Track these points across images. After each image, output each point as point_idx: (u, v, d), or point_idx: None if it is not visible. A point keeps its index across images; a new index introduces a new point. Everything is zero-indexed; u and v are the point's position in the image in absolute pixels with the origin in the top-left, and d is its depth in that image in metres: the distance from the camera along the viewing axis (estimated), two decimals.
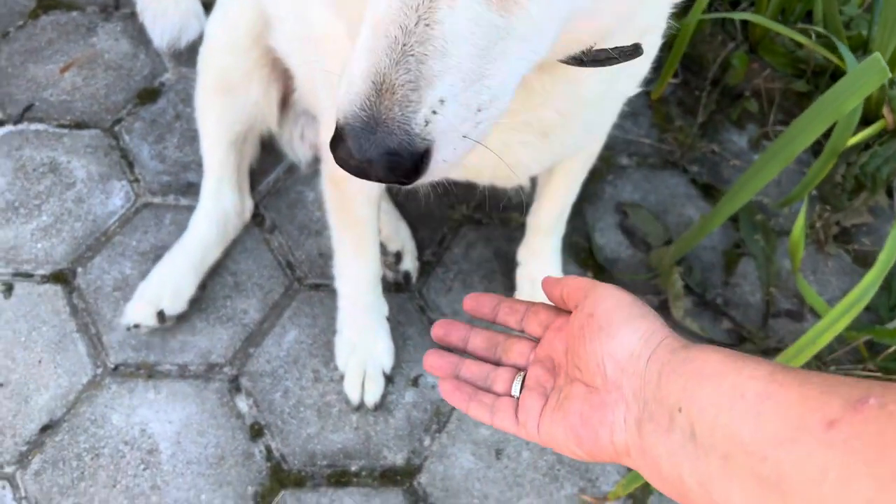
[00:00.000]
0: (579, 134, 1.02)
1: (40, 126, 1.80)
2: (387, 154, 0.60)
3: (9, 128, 1.79)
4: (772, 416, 0.58)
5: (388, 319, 1.54)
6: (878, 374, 1.55)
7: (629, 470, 1.41)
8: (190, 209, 1.65)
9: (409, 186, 0.67)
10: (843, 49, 1.63)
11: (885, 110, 1.76)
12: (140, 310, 1.50)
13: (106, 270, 1.60)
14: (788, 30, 1.77)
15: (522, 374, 0.85)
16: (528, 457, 1.45)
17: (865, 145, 1.81)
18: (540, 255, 1.57)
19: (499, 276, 1.68)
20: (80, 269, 1.60)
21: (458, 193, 1.77)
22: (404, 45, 0.60)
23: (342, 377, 1.50)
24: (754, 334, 1.62)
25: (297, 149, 1.73)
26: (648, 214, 1.78)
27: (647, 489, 1.43)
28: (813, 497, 0.53)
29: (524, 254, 1.60)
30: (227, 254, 1.64)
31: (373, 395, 1.47)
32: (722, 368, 0.64)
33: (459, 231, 1.73)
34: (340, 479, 1.41)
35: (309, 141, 1.71)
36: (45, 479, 1.37)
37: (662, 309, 1.64)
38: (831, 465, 0.53)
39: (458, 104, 0.61)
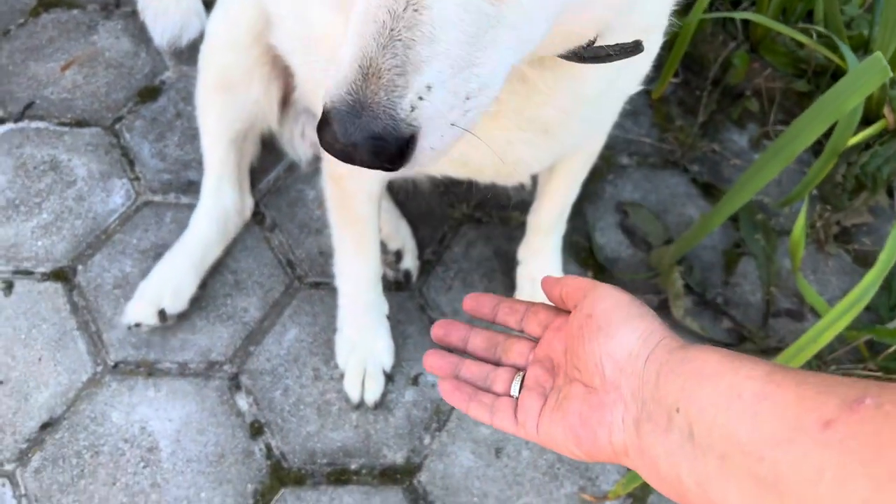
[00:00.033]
0: (581, 131, 1.02)
1: (41, 124, 1.80)
2: (371, 138, 0.59)
3: (9, 126, 1.79)
4: (769, 417, 0.58)
5: (389, 318, 1.54)
6: (879, 374, 1.55)
7: (629, 469, 1.41)
8: (190, 207, 1.65)
9: (397, 174, 0.67)
10: (845, 48, 1.63)
11: (886, 110, 1.76)
12: (141, 309, 1.50)
13: (106, 268, 1.60)
14: (789, 29, 1.77)
15: (522, 374, 0.85)
16: (527, 455, 1.45)
17: (866, 145, 1.81)
18: (540, 255, 1.57)
19: (499, 275, 1.68)
20: (80, 267, 1.60)
21: (459, 192, 1.78)
22: (392, 29, 0.60)
23: (342, 375, 1.50)
24: (754, 334, 1.62)
25: (297, 147, 1.73)
26: (649, 214, 1.78)
27: (646, 488, 1.43)
28: (809, 497, 0.53)
29: (524, 253, 1.60)
30: (228, 252, 1.64)
31: (373, 394, 1.47)
32: (719, 368, 0.65)
33: (460, 230, 1.73)
34: (340, 477, 1.41)
35: (309, 139, 1.71)
36: (45, 477, 1.37)
37: (662, 308, 1.64)
38: (827, 465, 0.53)
39: (446, 91, 0.61)
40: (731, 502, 0.60)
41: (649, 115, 1.97)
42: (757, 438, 0.58)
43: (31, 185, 1.70)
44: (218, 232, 1.61)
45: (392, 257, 1.62)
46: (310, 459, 1.42)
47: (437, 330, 0.92)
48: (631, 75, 1.02)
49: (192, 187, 1.71)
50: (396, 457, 1.44)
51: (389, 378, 1.51)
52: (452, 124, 0.63)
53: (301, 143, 1.73)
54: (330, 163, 1.28)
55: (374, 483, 1.41)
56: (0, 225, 1.64)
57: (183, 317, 1.54)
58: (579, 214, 1.74)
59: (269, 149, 1.74)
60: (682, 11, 1.72)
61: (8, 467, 1.37)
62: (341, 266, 1.46)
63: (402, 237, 1.65)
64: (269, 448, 1.43)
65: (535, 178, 1.53)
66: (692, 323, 1.61)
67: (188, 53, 1.90)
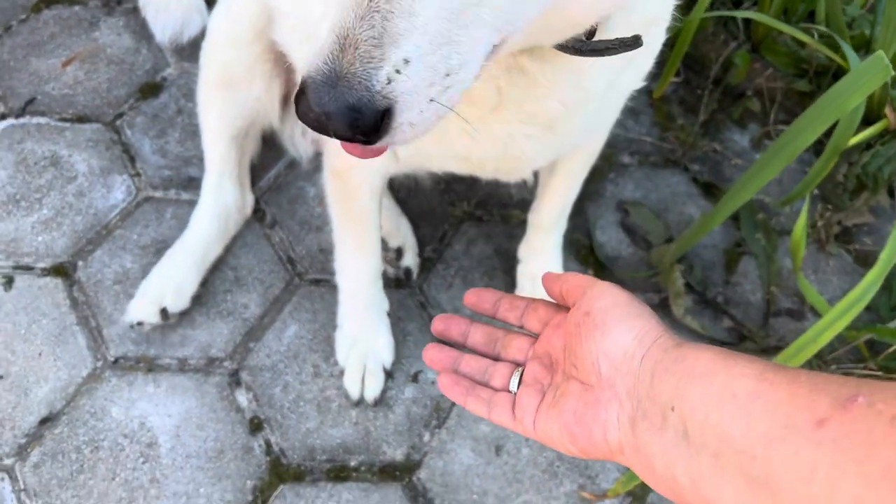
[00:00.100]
0: (583, 127, 1.02)
1: (42, 120, 1.80)
2: (346, 108, 0.59)
3: (10, 121, 1.79)
4: (761, 415, 0.58)
5: (389, 315, 1.54)
6: (879, 374, 1.55)
7: (628, 467, 1.41)
8: (191, 203, 1.65)
9: (375, 147, 0.66)
10: (846, 47, 1.63)
11: (888, 110, 1.76)
12: (143, 307, 1.50)
13: (106, 264, 1.60)
14: (791, 28, 1.77)
15: (520, 369, 0.85)
16: (527, 453, 1.45)
17: (867, 145, 1.81)
18: (541, 253, 1.57)
19: (499, 273, 1.68)
20: (80, 263, 1.60)
21: (460, 190, 1.78)
22: (371, 1, 0.59)
23: (342, 372, 1.50)
24: (755, 333, 1.62)
25: (298, 144, 1.73)
26: (649, 213, 1.78)
27: (646, 487, 1.42)
28: (802, 495, 0.54)
29: (525, 251, 1.60)
30: (228, 249, 1.64)
31: (373, 391, 1.47)
32: (713, 367, 0.65)
33: (460, 228, 1.73)
34: (340, 473, 1.41)
35: (310, 137, 1.71)
36: (45, 472, 1.37)
37: (663, 307, 1.64)
38: (820, 463, 0.53)
39: (424, 66, 0.60)
40: (726, 500, 0.60)
41: (650, 115, 1.97)
42: (750, 437, 0.58)
43: (32, 181, 1.70)
44: (219, 229, 1.61)
45: (393, 254, 1.62)
46: (309, 456, 1.42)
47: (438, 324, 0.93)
48: (634, 71, 1.02)
49: (192, 183, 1.71)
50: (396, 454, 1.44)
51: (389, 375, 1.51)
52: (432, 100, 0.62)
53: (302, 140, 1.73)
54: (332, 158, 1.28)
55: (374, 480, 1.41)
56: (0, 220, 1.64)
57: (184, 314, 1.54)
58: (580, 213, 1.74)
59: (270, 146, 1.74)
60: (683, 10, 1.72)
61: (7, 462, 1.37)
62: (342, 262, 1.46)
63: (403, 234, 1.65)
64: (268, 444, 1.43)
65: (536, 176, 1.53)
66: (692, 322, 1.61)
67: (189, 50, 1.90)
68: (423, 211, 1.74)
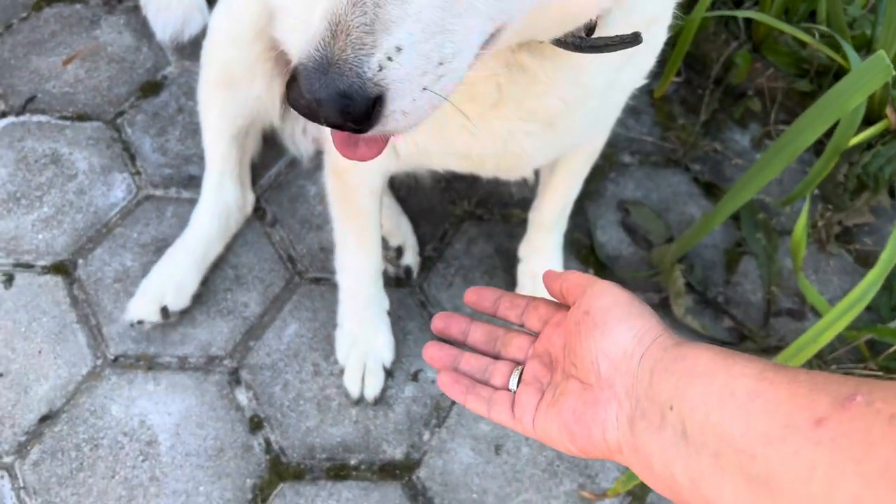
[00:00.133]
0: (584, 124, 1.02)
1: (42, 118, 1.80)
2: (337, 95, 0.58)
3: (11, 119, 1.79)
4: (761, 415, 0.58)
5: (389, 314, 1.54)
6: (880, 374, 1.55)
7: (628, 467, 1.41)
8: (191, 202, 1.65)
9: (370, 140, 0.65)
10: (847, 47, 1.63)
11: (889, 110, 1.76)
12: (144, 306, 1.50)
13: (107, 262, 1.60)
14: (792, 28, 1.77)
15: (520, 368, 0.85)
16: (527, 452, 1.45)
17: (868, 145, 1.81)
18: (541, 252, 1.57)
19: (500, 272, 1.68)
20: (80, 261, 1.60)
21: (461, 189, 1.78)
22: None
23: (342, 371, 1.49)
24: (755, 333, 1.62)
25: (299, 143, 1.73)
26: (650, 212, 1.78)
27: (646, 486, 1.41)
28: (801, 495, 0.54)
29: (525, 250, 1.60)
30: (228, 247, 1.64)
31: (373, 389, 1.47)
32: (713, 366, 0.65)
33: (461, 227, 1.73)
34: (339, 472, 1.41)
35: (311, 135, 1.71)
36: (44, 470, 1.36)
37: (663, 307, 1.64)
38: (819, 462, 0.53)
39: (417, 54, 0.60)
40: (725, 500, 0.60)
41: (651, 114, 1.97)
42: (749, 436, 0.58)
43: (32, 179, 1.70)
44: (219, 228, 1.61)
45: (393, 253, 1.62)
46: (309, 454, 1.42)
47: (438, 322, 0.93)
48: (635, 69, 1.02)
49: (193, 182, 1.71)
50: (396, 452, 1.44)
51: (389, 374, 1.51)
52: (425, 89, 0.62)
53: (303, 139, 1.73)
54: (333, 156, 1.27)
55: (374, 478, 1.41)
56: (1, 218, 1.64)
57: (184, 312, 1.54)
58: (581, 212, 1.74)
59: (271, 144, 1.74)
60: (684, 9, 1.72)
61: (7, 460, 1.37)
62: (342, 261, 1.46)
63: (404, 233, 1.65)
64: (268, 443, 1.43)
65: (537, 175, 1.53)
66: (693, 321, 1.61)
67: (190, 49, 1.90)
68: (423, 210, 1.74)
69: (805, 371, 0.61)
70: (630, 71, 1.00)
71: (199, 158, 1.70)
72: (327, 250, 1.63)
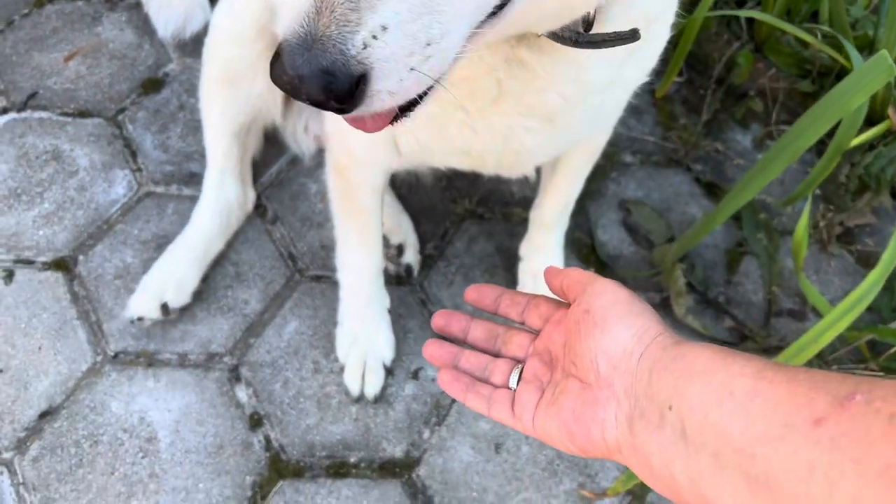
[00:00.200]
0: (585, 121, 1.01)
1: (44, 114, 1.80)
2: (320, 72, 0.58)
3: (12, 115, 1.78)
4: (760, 414, 0.58)
5: (389, 312, 1.54)
6: (881, 374, 1.55)
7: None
8: (192, 199, 1.65)
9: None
10: (850, 47, 1.63)
11: (891, 111, 1.75)
12: (144, 302, 1.50)
13: (107, 259, 1.60)
14: (794, 28, 1.77)
15: (520, 366, 0.85)
16: (527, 451, 1.45)
17: (870, 146, 1.81)
18: (542, 250, 1.56)
19: (500, 270, 1.67)
20: (81, 257, 1.60)
21: (461, 187, 1.77)
22: None
23: (342, 369, 1.49)
24: (756, 333, 1.62)
25: (300, 141, 1.73)
26: (651, 212, 1.78)
27: (645, 485, 1.41)
28: (800, 495, 0.53)
29: (526, 248, 1.60)
30: (229, 244, 1.64)
31: (373, 387, 1.47)
32: (711, 366, 0.64)
33: (462, 225, 1.73)
34: (339, 470, 1.41)
35: (313, 133, 1.71)
36: (44, 466, 1.36)
37: (664, 306, 1.64)
38: (818, 462, 0.53)
39: (403, 34, 0.59)
40: (724, 500, 0.60)
41: (653, 114, 1.96)
42: (749, 436, 0.58)
43: (33, 175, 1.70)
44: (220, 225, 1.61)
45: (394, 251, 1.62)
46: (309, 452, 1.42)
47: (438, 320, 0.92)
48: (637, 67, 1.02)
49: (193, 179, 1.71)
50: (396, 450, 1.44)
51: (389, 372, 1.51)
52: (413, 69, 0.61)
53: (304, 136, 1.73)
54: (334, 154, 1.27)
55: (373, 476, 1.41)
56: (1, 214, 1.64)
57: (184, 309, 1.54)
58: (582, 211, 1.74)
59: (272, 142, 1.74)
60: (686, 9, 1.72)
61: (6, 455, 1.37)
62: (343, 258, 1.46)
63: (405, 231, 1.64)
64: (268, 440, 1.43)
65: (538, 173, 1.53)
66: (694, 321, 1.61)
67: (192, 46, 1.90)
68: (424, 208, 1.74)
69: (804, 370, 0.60)
70: (632, 68, 0.99)
71: (200, 156, 1.70)
72: (328, 248, 1.63)
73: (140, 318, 1.50)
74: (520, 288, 1.61)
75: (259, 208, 1.71)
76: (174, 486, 1.37)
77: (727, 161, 1.90)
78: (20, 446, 1.38)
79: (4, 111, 1.79)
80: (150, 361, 1.49)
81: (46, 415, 1.42)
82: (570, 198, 1.49)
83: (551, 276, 0.86)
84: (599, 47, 0.80)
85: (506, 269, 1.67)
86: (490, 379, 0.86)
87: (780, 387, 0.58)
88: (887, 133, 1.79)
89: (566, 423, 0.75)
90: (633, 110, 1.94)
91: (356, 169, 1.24)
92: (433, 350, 0.90)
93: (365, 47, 0.58)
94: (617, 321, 0.75)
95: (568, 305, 0.85)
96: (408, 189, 1.73)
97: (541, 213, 1.52)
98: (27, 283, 1.55)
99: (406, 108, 0.69)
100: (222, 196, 1.62)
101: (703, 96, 1.99)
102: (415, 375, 1.52)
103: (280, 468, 1.40)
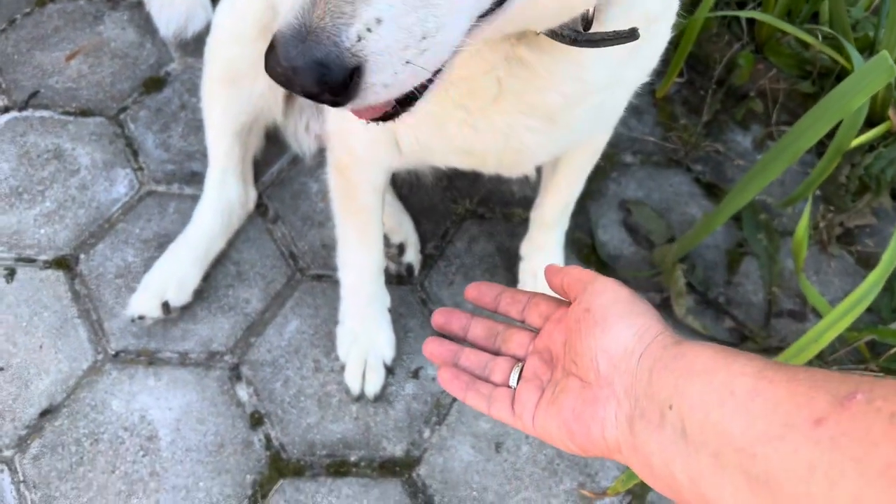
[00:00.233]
0: (585, 120, 1.02)
1: (45, 113, 1.80)
2: (314, 63, 0.58)
3: (14, 114, 1.79)
4: (761, 414, 0.58)
5: (390, 311, 1.54)
6: (881, 375, 1.55)
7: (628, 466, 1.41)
8: (194, 198, 1.65)
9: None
10: (850, 48, 1.63)
11: (891, 112, 1.76)
12: (145, 301, 1.50)
13: (108, 257, 1.60)
14: (795, 29, 1.77)
15: (520, 364, 0.85)
16: (527, 451, 1.45)
17: (870, 147, 1.81)
18: (543, 250, 1.57)
19: (501, 270, 1.68)
20: (82, 256, 1.60)
21: (462, 187, 1.78)
22: None
23: (343, 367, 1.49)
24: (756, 333, 1.62)
25: (301, 140, 1.73)
26: (652, 212, 1.78)
27: (645, 485, 1.42)
28: (801, 494, 0.53)
29: (527, 248, 1.60)
30: (230, 243, 1.64)
31: (373, 386, 1.47)
32: (712, 365, 0.64)
33: (462, 225, 1.73)
34: (339, 469, 1.41)
35: (314, 132, 1.71)
36: (44, 464, 1.37)
37: (664, 307, 1.64)
38: (818, 462, 0.52)
39: (398, 27, 0.59)
40: (725, 499, 0.60)
41: (653, 114, 1.97)
42: (749, 436, 0.58)
43: (35, 174, 1.70)
44: (222, 224, 1.61)
45: (395, 250, 1.62)
46: (309, 451, 1.42)
47: (438, 317, 0.93)
48: (638, 66, 1.02)
49: (195, 178, 1.71)
50: (396, 449, 1.44)
51: (390, 371, 1.51)
52: (408, 62, 0.61)
53: (305, 136, 1.73)
54: (336, 153, 1.28)
55: (374, 475, 1.41)
56: (3, 212, 1.64)
57: (185, 308, 1.54)
58: (582, 212, 1.74)
59: (273, 141, 1.74)
60: (687, 10, 1.72)
61: (7, 453, 1.37)
62: (344, 257, 1.46)
63: (405, 231, 1.65)
64: (268, 439, 1.43)
65: (539, 173, 1.53)
66: (694, 322, 1.61)
67: (193, 45, 1.90)
68: (425, 208, 1.74)
69: (805, 369, 0.60)
70: (633, 68, 0.99)
71: (202, 155, 1.70)
72: (329, 247, 1.63)
73: (141, 317, 1.50)
74: (520, 287, 1.60)
75: (260, 207, 1.71)
76: (174, 485, 1.37)
77: (727, 162, 1.90)
78: (21, 444, 1.38)
79: (6, 110, 1.79)
80: (151, 360, 1.49)
81: (47, 413, 1.42)
82: (570, 198, 1.50)
83: (552, 273, 0.86)
84: (598, 46, 0.80)
85: (506, 268, 1.67)
86: (490, 377, 0.86)
87: (780, 386, 0.58)
88: (887, 134, 1.79)
89: (566, 421, 0.75)
90: (633, 111, 1.94)
91: (357, 167, 1.24)
92: (433, 348, 0.90)
93: (359, 40, 0.58)
94: (618, 320, 0.75)
95: (568, 304, 0.85)
96: (409, 189, 1.73)
97: (541, 213, 1.53)
98: (28, 281, 1.55)
99: (405, 104, 0.69)
100: (224, 195, 1.62)
101: (703, 97, 1.99)
102: (415, 374, 1.52)
103: (280, 467, 1.40)
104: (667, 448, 0.65)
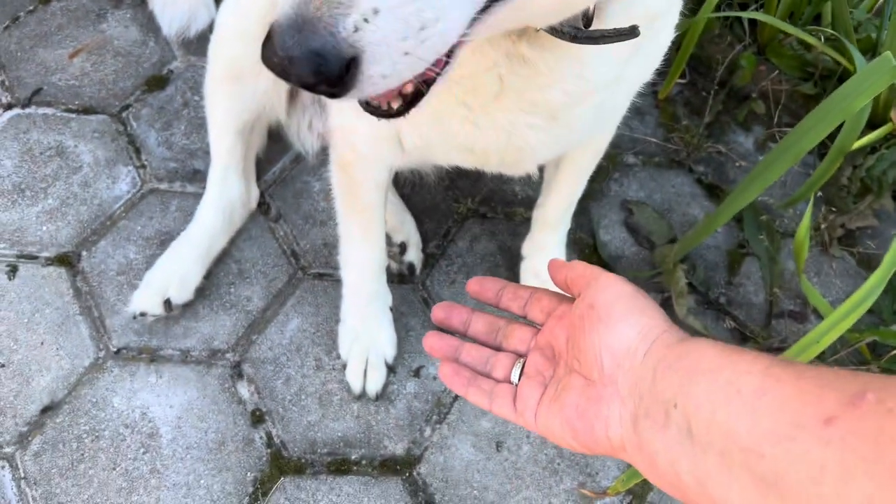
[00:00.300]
0: (588, 119, 1.01)
1: (48, 110, 1.80)
2: (310, 53, 0.57)
3: (17, 111, 1.79)
4: (768, 413, 0.57)
5: (392, 310, 1.54)
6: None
7: (629, 465, 1.41)
8: (196, 196, 1.66)
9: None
10: (853, 50, 1.64)
11: (893, 113, 1.76)
12: (147, 298, 1.50)
13: (110, 255, 1.60)
14: (797, 30, 1.78)
15: (522, 360, 0.85)
16: (528, 450, 1.45)
17: (872, 148, 1.81)
18: (545, 249, 1.57)
19: (502, 269, 1.68)
20: (84, 253, 1.60)
21: (464, 186, 1.78)
22: None
23: (344, 366, 1.50)
24: (757, 334, 1.62)
25: (304, 139, 1.73)
26: (653, 212, 1.78)
27: (646, 485, 1.42)
28: (811, 495, 0.52)
29: (529, 247, 1.60)
30: (232, 241, 1.64)
31: (375, 385, 1.47)
32: (718, 363, 0.63)
33: (464, 224, 1.74)
34: (340, 467, 1.41)
35: (316, 131, 1.71)
36: (45, 461, 1.37)
37: (665, 307, 1.64)
38: (829, 462, 0.51)
39: (395, 18, 0.59)
40: (732, 499, 0.59)
41: (655, 115, 1.97)
42: (757, 435, 0.56)
43: (37, 171, 1.70)
44: (224, 222, 1.61)
45: (396, 249, 1.62)
46: (310, 449, 1.42)
47: (438, 312, 0.92)
48: (641, 65, 1.02)
49: (197, 176, 1.71)
50: (397, 448, 1.44)
51: (391, 369, 1.51)
52: (406, 53, 0.61)
53: (308, 134, 1.73)
54: (338, 150, 1.28)
55: (374, 474, 1.41)
56: (5, 209, 1.64)
57: (187, 305, 1.54)
58: (584, 212, 1.74)
59: (276, 140, 1.74)
60: (690, 11, 1.73)
61: (8, 450, 1.37)
62: (346, 255, 1.46)
63: (407, 230, 1.65)
64: (269, 437, 1.43)
65: (541, 172, 1.53)
66: (695, 322, 1.61)
67: (196, 44, 1.90)
68: (427, 207, 1.74)
69: (812, 367, 0.59)
70: (636, 66, 0.99)
71: (204, 153, 1.70)
72: (330, 246, 1.63)
73: (143, 314, 1.50)
74: None
75: (262, 206, 1.71)
76: (175, 482, 1.37)
77: (729, 163, 1.90)
78: (22, 441, 1.38)
79: (9, 107, 1.79)
80: (153, 357, 1.49)
81: (48, 410, 1.42)
82: (572, 197, 1.50)
83: (555, 268, 0.86)
84: (598, 43, 0.80)
85: (508, 268, 1.68)
86: (491, 373, 0.86)
87: (788, 384, 0.57)
88: (889, 136, 1.79)
89: (569, 420, 0.74)
90: (635, 111, 1.94)
91: (360, 165, 1.24)
92: (434, 342, 0.90)
93: (356, 30, 0.57)
94: (621, 317, 0.74)
95: (571, 300, 0.84)
96: (411, 188, 1.74)
97: (543, 213, 1.53)
98: (30, 278, 1.55)
99: (411, 103, 0.69)
100: (226, 193, 1.62)
101: (705, 98, 1.99)
102: (416, 373, 1.52)
103: (281, 465, 1.40)
104: (672, 448, 0.64)
